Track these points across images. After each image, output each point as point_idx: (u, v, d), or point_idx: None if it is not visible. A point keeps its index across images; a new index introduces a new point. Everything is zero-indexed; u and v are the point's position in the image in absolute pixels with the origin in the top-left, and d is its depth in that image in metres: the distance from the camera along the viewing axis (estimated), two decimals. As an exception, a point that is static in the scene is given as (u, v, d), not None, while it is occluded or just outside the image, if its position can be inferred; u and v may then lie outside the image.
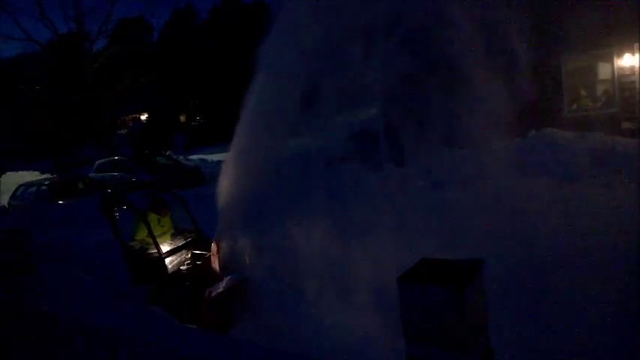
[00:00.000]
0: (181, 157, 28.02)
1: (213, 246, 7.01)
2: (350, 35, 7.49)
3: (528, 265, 6.55)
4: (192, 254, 7.37)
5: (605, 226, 7.37)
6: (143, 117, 53.30)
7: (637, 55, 13.67)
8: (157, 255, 6.87)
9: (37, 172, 25.58)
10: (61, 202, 16.07)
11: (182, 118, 50.93)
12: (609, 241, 6.86)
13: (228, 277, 6.77)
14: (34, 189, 17.56)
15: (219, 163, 26.71)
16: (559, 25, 12.66)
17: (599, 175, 10.01)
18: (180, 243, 7.36)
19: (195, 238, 7.56)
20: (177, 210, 7.88)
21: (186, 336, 3.04)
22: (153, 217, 7.29)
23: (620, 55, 13.98)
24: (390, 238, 6.68)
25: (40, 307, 3.90)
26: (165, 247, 7.08)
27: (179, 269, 7.09)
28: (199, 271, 7.07)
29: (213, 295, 6.42)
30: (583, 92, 15.05)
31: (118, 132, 48.39)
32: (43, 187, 17.24)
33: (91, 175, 20.94)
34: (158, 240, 6.97)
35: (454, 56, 8.99)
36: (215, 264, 7.00)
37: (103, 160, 22.67)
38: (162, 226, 7.44)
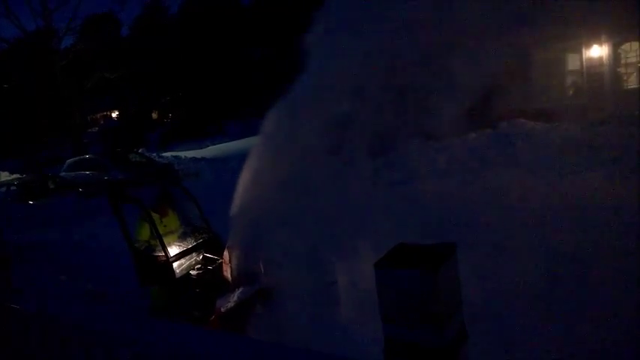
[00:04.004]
0: (154, 155, 27.70)
1: (226, 254, 6.58)
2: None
3: (501, 253, 6.65)
4: (204, 257, 6.85)
5: (576, 213, 7.51)
6: (114, 114, 52.67)
7: (605, 46, 13.95)
8: (163, 258, 6.38)
9: (6, 173, 25.07)
10: (31, 202, 15.81)
11: (154, 115, 50.43)
12: (581, 228, 6.99)
13: (240, 290, 6.34)
14: (3, 189, 17.26)
15: (192, 159, 26.62)
16: (529, 16, 12.82)
17: (569, 165, 10.19)
18: (190, 244, 6.82)
19: (207, 239, 7.02)
20: (183, 207, 7.40)
21: (166, 331, 3.02)
22: (155, 217, 6.70)
23: (588, 46, 14.25)
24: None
25: (15, 305, 3.85)
26: (172, 249, 6.54)
27: (188, 273, 6.60)
28: (210, 277, 6.60)
29: (223, 311, 6.04)
30: (553, 83, 15.32)
31: (89, 130, 47.71)
32: (13, 188, 16.96)
33: (62, 174, 20.59)
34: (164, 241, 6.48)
35: (427, 49, 9.02)
36: (227, 272, 6.58)
37: (74, 159, 22.25)
38: (165, 226, 6.84)
